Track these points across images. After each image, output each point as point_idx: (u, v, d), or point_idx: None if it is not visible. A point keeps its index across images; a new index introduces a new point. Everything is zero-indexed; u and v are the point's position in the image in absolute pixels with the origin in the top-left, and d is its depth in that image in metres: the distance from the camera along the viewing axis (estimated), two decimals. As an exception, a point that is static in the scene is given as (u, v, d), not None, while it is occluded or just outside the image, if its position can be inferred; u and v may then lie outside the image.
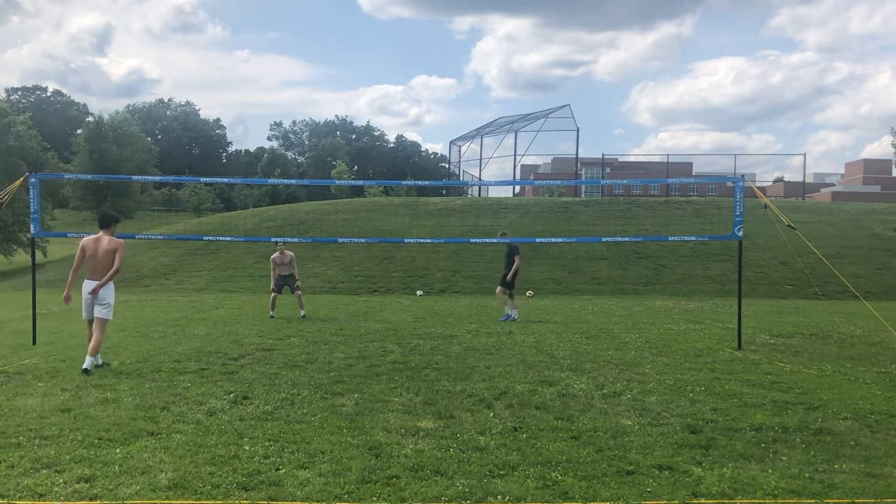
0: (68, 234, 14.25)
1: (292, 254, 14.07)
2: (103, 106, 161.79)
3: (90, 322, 7.74)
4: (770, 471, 4.32)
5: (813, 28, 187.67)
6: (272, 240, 14.50)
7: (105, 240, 7.72)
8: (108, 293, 7.73)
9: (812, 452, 4.70)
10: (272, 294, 13.86)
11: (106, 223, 7.88)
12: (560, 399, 6.28)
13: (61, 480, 4.07)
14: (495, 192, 40.07)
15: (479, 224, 25.97)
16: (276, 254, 13.91)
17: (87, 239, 7.80)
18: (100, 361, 7.72)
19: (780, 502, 3.85)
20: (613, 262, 23.20)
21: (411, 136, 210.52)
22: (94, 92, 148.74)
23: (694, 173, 55.25)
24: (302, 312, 13.43)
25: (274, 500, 3.81)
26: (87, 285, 7.66)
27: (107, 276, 7.63)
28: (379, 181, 11.60)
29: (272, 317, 13.27)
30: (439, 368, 7.80)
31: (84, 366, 7.35)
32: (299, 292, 13.82)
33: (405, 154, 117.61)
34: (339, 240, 12.13)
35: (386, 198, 34.34)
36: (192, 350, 9.06)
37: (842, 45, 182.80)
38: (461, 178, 42.47)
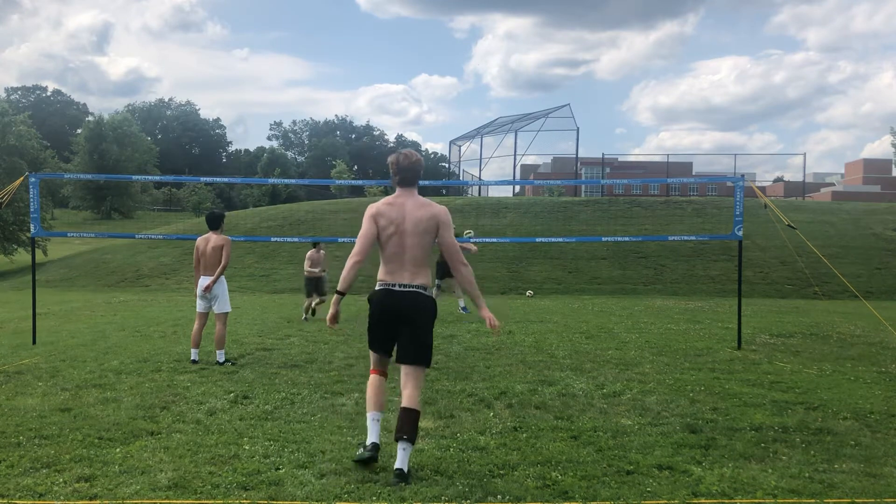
0: (68, 234, 14.25)
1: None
2: (102, 105, 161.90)
3: (202, 315, 8.25)
4: (770, 471, 4.32)
5: (815, 27, 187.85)
6: (314, 240, 13.30)
7: (213, 238, 8.21)
8: (219, 288, 8.17)
9: (812, 452, 4.69)
10: (314, 297, 12.90)
11: (215, 225, 8.34)
12: (560, 399, 6.28)
13: (61, 480, 4.07)
14: (495, 192, 40.11)
15: (479, 224, 25.96)
16: (313, 251, 13.09)
17: (199, 239, 8.36)
18: (222, 358, 8.04)
19: (780, 502, 3.85)
20: (613, 261, 23.20)
21: (411, 135, 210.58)
22: (92, 91, 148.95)
23: (694, 173, 55.26)
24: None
25: (274, 500, 3.81)
26: (202, 281, 8.18)
27: (217, 272, 8.07)
28: (379, 181, 11.59)
29: (306, 320, 12.61)
30: (439, 368, 7.79)
31: (218, 359, 7.99)
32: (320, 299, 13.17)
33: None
34: (339, 239, 12.11)
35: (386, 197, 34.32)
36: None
37: (844, 45, 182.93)
38: (461, 178, 42.47)
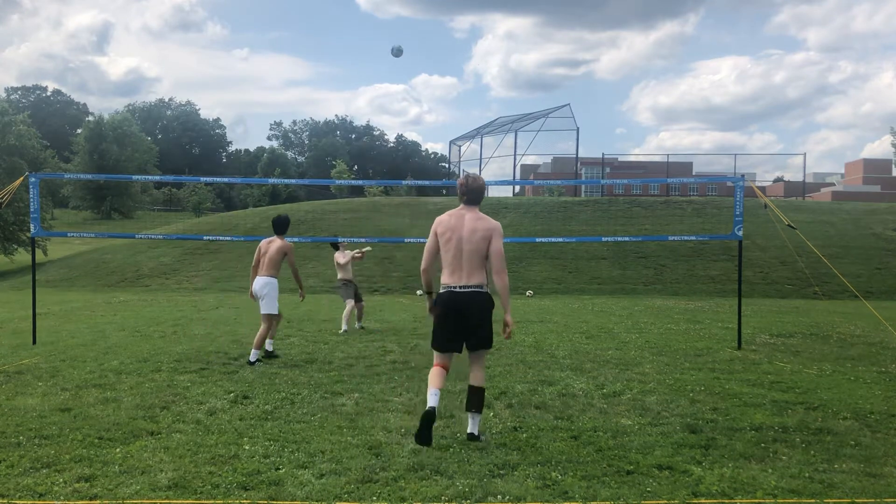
0: (68, 234, 14.25)
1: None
2: (102, 105, 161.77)
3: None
4: (770, 471, 4.32)
5: (815, 27, 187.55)
6: (339, 240, 11.91)
7: (277, 241, 8.48)
8: (269, 289, 8.32)
9: (812, 452, 4.70)
10: (351, 303, 11.48)
11: (282, 229, 8.60)
12: (560, 399, 6.28)
13: (61, 480, 4.07)
14: (495, 192, 40.12)
15: (479, 224, 25.94)
16: (340, 253, 11.80)
17: (263, 241, 8.62)
18: (268, 349, 8.34)
19: (780, 502, 3.85)
20: (613, 261, 23.20)
21: (411, 135, 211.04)
22: (92, 91, 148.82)
23: (694, 173, 55.27)
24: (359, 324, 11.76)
25: (274, 500, 3.81)
26: (258, 280, 8.38)
27: (298, 283, 8.57)
28: (379, 181, 11.58)
29: (346, 331, 11.14)
30: (439, 368, 7.79)
31: (250, 358, 8.07)
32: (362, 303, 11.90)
33: (405, 154, 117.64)
34: (339, 239, 12.04)
35: (386, 197, 34.34)
36: (192, 350, 9.06)
37: (844, 44, 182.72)
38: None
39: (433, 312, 5.07)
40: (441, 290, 5.01)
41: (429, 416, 4.73)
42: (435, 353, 5.07)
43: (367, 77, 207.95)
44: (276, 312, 8.37)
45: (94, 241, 35.65)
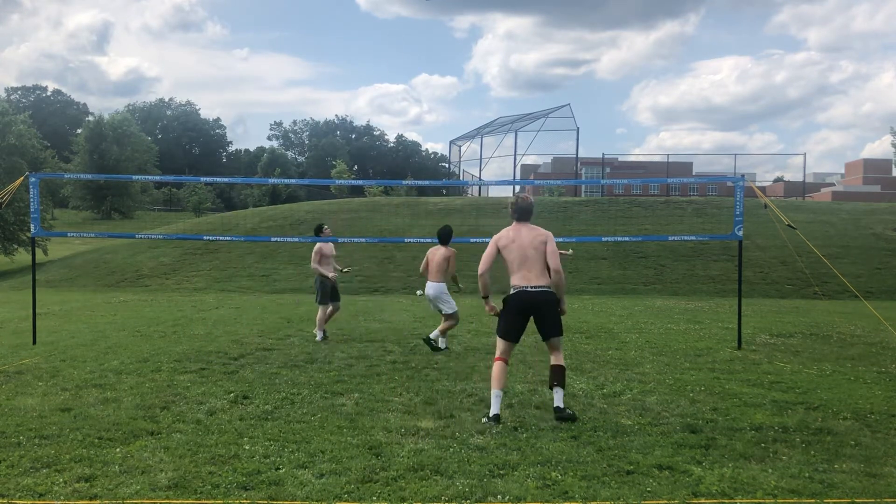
0: (68, 234, 14.25)
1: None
2: (102, 105, 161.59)
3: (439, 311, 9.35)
4: (770, 471, 4.32)
5: (816, 26, 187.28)
6: (331, 241, 10.78)
7: (441, 250, 9.38)
8: (442, 294, 9.27)
9: (812, 452, 4.70)
10: (327, 308, 10.41)
11: (445, 239, 9.46)
12: (560, 399, 6.28)
13: (61, 480, 4.07)
14: (495, 192, 40.09)
15: (479, 224, 25.94)
16: (323, 244, 10.54)
17: (430, 250, 9.58)
18: (444, 345, 9.15)
19: (780, 502, 3.85)
20: (613, 261, 23.20)
21: (411, 135, 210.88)
22: (92, 91, 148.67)
23: (694, 173, 55.26)
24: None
25: (274, 500, 3.81)
26: (429, 288, 9.35)
27: (453, 280, 9.34)
28: (379, 181, 11.54)
29: (324, 338, 10.12)
30: (439, 368, 7.80)
31: (440, 346, 9.12)
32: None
33: (405, 154, 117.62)
34: (339, 240, 12.02)
35: (386, 197, 34.34)
36: (192, 350, 9.06)
37: (845, 44, 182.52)
38: (461, 178, 42.45)
39: (496, 311, 5.84)
40: (512, 291, 5.74)
41: (494, 422, 5.37)
42: (499, 343, 5.76)
43: (366, 77, 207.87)
44: (456, 309, 9.20)
45: (95, 241, 35.65)
